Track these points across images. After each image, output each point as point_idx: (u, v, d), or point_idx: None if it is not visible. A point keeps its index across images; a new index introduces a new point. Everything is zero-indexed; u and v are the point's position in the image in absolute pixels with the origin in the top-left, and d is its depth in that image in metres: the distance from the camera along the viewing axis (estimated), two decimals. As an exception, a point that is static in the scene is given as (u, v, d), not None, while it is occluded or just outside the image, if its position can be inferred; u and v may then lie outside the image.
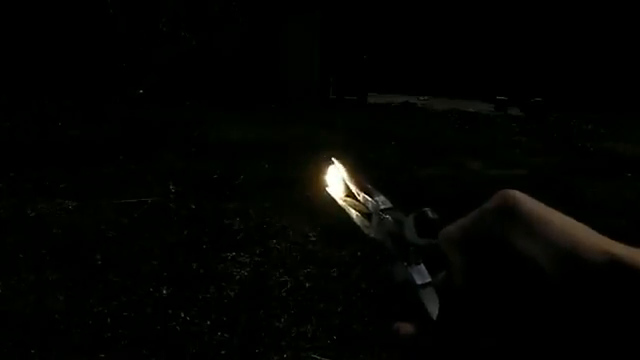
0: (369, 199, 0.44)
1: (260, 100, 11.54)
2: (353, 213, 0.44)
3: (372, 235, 0.42)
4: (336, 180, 0.47)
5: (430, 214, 0.37)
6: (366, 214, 0.44)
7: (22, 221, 3.96)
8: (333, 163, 0.48)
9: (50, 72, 11.03)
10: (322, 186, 0.47)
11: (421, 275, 0.38)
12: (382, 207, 0.42)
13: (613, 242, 0.27)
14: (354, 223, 0.44)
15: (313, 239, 3.79)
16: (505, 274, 0.29)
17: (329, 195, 0.47)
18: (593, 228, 0.30)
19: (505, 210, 0.29)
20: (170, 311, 2.79)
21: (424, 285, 0.37)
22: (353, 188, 0.45)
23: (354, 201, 0.45)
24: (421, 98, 14.57)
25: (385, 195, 0.44)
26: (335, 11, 13.78)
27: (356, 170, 0.47)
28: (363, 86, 13.90)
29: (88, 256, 3.39)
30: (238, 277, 3.22)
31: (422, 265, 0.38)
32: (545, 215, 0.29)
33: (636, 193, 5.71)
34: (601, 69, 13.96)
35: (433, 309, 0.35)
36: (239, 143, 7.10)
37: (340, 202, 0.46)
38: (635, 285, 0.25)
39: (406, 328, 0.35)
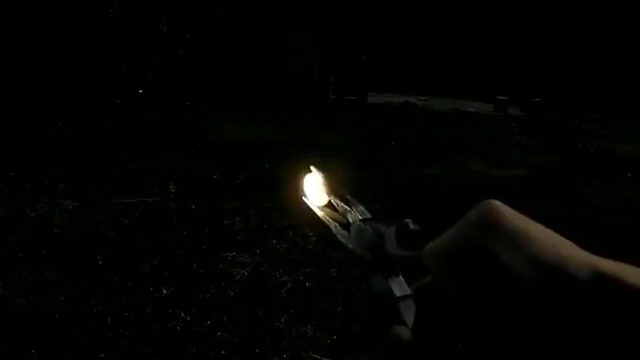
0: (348, 209, 0.43)
1: (260, 100, 11.54)
2: (331, 223, 0.43)
3: (350, 246, 0.42)
4: (314, 189, 0.46)
5: (412, 225, 0.36)
6: (345, 224, 0.43)
7: (22, 221, 3.96)
8: (311, 172, 0.47)
9: (50, 72, 11.02)
10: (299, 195, 0.46)
11: (400, 287, 0.37)
12: (361, 217, 0.42)
13: (597, 257, 0.27)
14: (332, 234, 0.43)
15: (313, 239, 3.79)
16: (490, 288, 0.29)
17: (306, 205, 0.46)
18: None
19: (488, 224, 0.29)
20: (170, 311, 2.79)
21: (403, 297, 0.36)
22: (332, 197, 0.45)
23: (332, 211, 0.44)
24: (421, 98, 14.57)
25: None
26: (335, 11, 13.78)
27: (338, 177, 0.46)
28: (363, 86, 13.90)
29: (88, 256, 3.39)
30: (238, 277, 3.22)
31: (401, 277, 0.38)
32: (528, 229, 0.28)
33: (636, 193, 5.71)
34: (601, 69, 13.96)
35: (411, 322, 0.35)
36: (239, 143, 7.10)
37: (318, 212, 0.45)
38: (620, 300, 0.25)
39: (405, 333, 0.35)
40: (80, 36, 11.37)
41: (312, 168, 0.47)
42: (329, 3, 13.53)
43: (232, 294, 3.02)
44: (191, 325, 2.68)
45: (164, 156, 6.15)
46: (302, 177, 0.47)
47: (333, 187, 0.45)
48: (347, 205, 0.43)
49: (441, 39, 16.15)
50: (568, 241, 0.28)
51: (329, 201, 0.45)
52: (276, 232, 3.92)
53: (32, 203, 4.31)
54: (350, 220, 0.42)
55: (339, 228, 0.43)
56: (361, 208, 0.43)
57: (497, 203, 0.30)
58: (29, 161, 5.59)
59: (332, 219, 0.44)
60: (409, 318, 0.35)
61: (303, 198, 0.46)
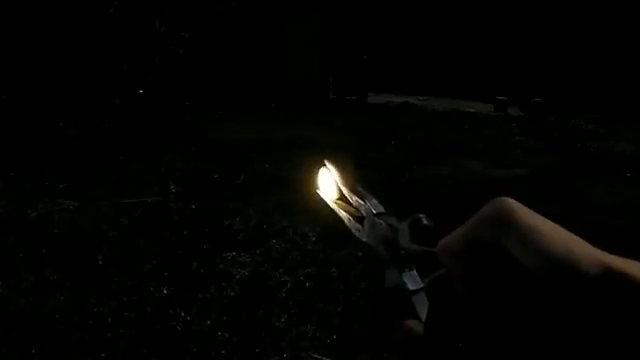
0: (362, 203, 0.43)
1: (260, 100, 11.55)
2: (345, 216, 0.44)
3: (364, 239, 0.42)
4: (328, 182, 0.47)
5: (425, 221, 0.37)
6: (358, 218, 0.43)
7: (22, 221, 3.96)
8: (325, 165, 0.47)
9: (50, 72, 11.02)
10: (313, 188, 0.47)
11: (413, 281, 0.37)
12: (375, 211, 0.42)
13: (606, 254, 0.28)
14: (346, 226, 0.44)
15: (313, 239, 3.79)
16: (502, 284, 0.29)
17: (320, 197, 0.47)
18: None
19: (501, 220, 0.30)
20: (170, 311, 2.79)
21: (416, 291, 0.37)
22: (345, 191, 0.45)
23: (346, 204, 0.44)
24: (421, 98, 14.57)
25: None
26: (335, 11, 13.78)
27: (351, 172, 0.47)
28: (363, 86, 13.90)
29: (88, 256, 3.39)
30: (238, 277, 3.22)
31: (414, 271, 0.38)
32: (540, 226, 0.29)
33: (636, 193, 5.71)
34: (601, 69, 13.96)
35: (424, 315, 0.35)
36: (239, 143, 7.10)
37: (332, 205, 0.45)
38: (629, 296, 0.26)
39: (418, 327, 0.35)
40: (80, 36, 11.38)
41: (326, 162, 0.47)
42: (329, 3, 13.53)
43: (232, 294, 3.02)
44: (191, 325, 2.68)
45: (164, 156, 6.15)
46: (316, 171, 0.47)
47: (346, 181, 0.45)
48: (360, 199, 0.44)
49: (441, 39, 16.16)
50: (578, 238, 0.29)
51: (342, 195, 0.45)
52: (276, 232, 3.92)
53: (32, 203, 4.31)
54: (363, 214, 0.43)
55: (353, 222, 0.43)
56: (374, 202, 0.43)
57: (510, 200, 0.30)
58: (29, 161, 5.59)
59: (346, 213, 0.44)
60: (422, 311, 0.35)
61: (317, 191, 0.47)
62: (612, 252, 0.28)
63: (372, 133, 8.50)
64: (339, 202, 0.45)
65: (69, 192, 4.65)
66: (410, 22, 16.52)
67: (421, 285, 0.37)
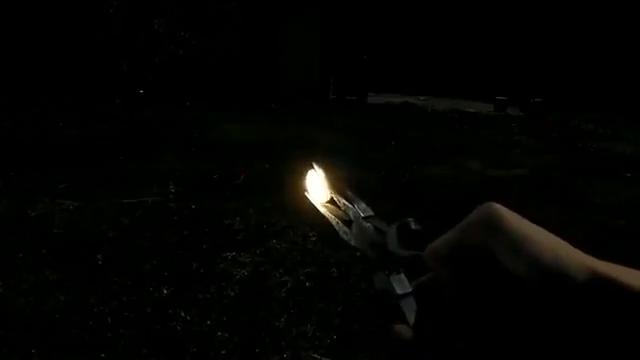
0: (350, 206, 0.43)
1: (260, 100, 11.54)
2: (333, 220, 0.43)
3: (352, 243, 0.42)
4: (317, 186, 0.46)
5: (413, 225, 0.37)
6: (347, 221, 0.43)
7: (22, 221, 3.96)
8: (313, 168, 0.47)
9: (50, 72, 11.02)
10: (302, 191, 0.47)
11: (402, 285, 0.37)
12: (363, 215, 0.42)
13: (595, 259, 0.28)
14: (334, 230, 0.43)
15: (313, 239, 3.79)
16: (490, 288, 0.30)
17: (308, 201, 0.46)
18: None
19: (489, 226, 0.30)
20: (170, 311, 2.79)
21: (405, 295, 0.37)
22: (334, 194, 0.45)
23: (335, 207, 0.44)
24: (421, 98, 14.57)
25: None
26: (335, 11, 13.78)
27: (349, 172, 0.46)
28: (363, 86, 13.89)
29: (88, 256, 3.39)
30: (238, 277, 3.22)
31: (403, 275, 0.38)
32: (528, 231, 0.29)
33: (636, 193, 5.71)
34: (601, 69, 13.95)
35: (412, 319, 0.35)
36: (239, 143, 7.10)
37: (320, 208, 0.45)
38: (615, 301, 0.26)
39: (406, 332, 0.35)
40: (80, 36, 11.37)
41: (314, 165, 0.47)
42: (329, 3, 13.53)
43: (232, 294, 3.02)
44: (191, 325, 2.68)
45: (164, 156, 6.15)
46: (304, 174, 0.47)
47: (335, 184, 0.45)
48: (349, 202, 0.43)
49: (441, 39, 16.15)
50: (567, 243, 0.29)
51: (331, 198, 0.45)
52: (276, 232, 3.92)
53: (32, 203, 4.31)
54: (352, 217, 0.43)
55: (341, 225, 0.43)
56: (363, 205, 0.43)
57: (497, 206, 0.30)
58: (29, 161, 5.59)
59: (334, 216, 0.44)
60: (410, 315, 0.35)
61: (306, 195, 0.46)
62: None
63: (372, 133, 8.50)
64: (328, 205, 0.45)
65: (69, 192, 4.65)
66: (410, 22, 16.52)
67: (409, 289, 0.37)
